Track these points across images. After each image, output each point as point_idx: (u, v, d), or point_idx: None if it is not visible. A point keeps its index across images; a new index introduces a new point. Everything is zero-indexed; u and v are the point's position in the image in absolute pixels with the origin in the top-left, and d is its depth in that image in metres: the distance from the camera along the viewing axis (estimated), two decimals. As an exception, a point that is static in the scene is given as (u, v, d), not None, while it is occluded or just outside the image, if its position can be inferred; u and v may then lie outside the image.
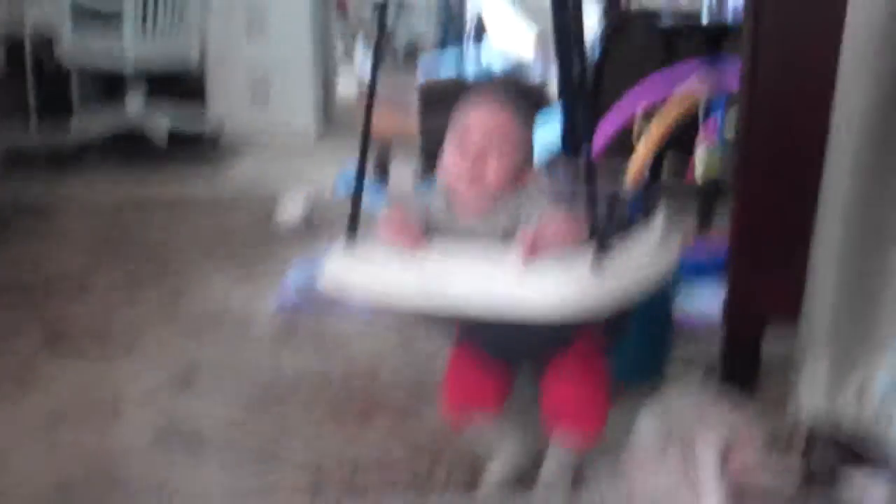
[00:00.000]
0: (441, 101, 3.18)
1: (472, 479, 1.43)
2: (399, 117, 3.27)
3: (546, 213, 1.27)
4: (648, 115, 2.30)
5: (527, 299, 1.12)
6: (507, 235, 1.30)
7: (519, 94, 2.89)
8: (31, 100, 4.81)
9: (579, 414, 1.35)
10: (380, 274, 1.22)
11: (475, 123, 1.32)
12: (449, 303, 1.17)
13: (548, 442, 1.40)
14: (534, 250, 1.17)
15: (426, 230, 1.30)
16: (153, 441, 1.57)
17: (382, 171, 3.62)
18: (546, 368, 1.36)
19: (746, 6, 1.54)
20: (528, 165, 1.35)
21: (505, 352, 1.39)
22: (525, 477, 1.41)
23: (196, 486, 1.42)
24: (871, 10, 1.19)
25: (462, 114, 1.35)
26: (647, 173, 2.62)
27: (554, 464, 1.40)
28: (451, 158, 1.33)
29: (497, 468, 1.42)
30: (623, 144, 2.37)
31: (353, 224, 1.30)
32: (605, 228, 1.19)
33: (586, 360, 1.36)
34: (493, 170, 1.30)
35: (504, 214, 1.32)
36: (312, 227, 3.05)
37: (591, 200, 1.18)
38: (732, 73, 2.17)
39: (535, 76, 3.22)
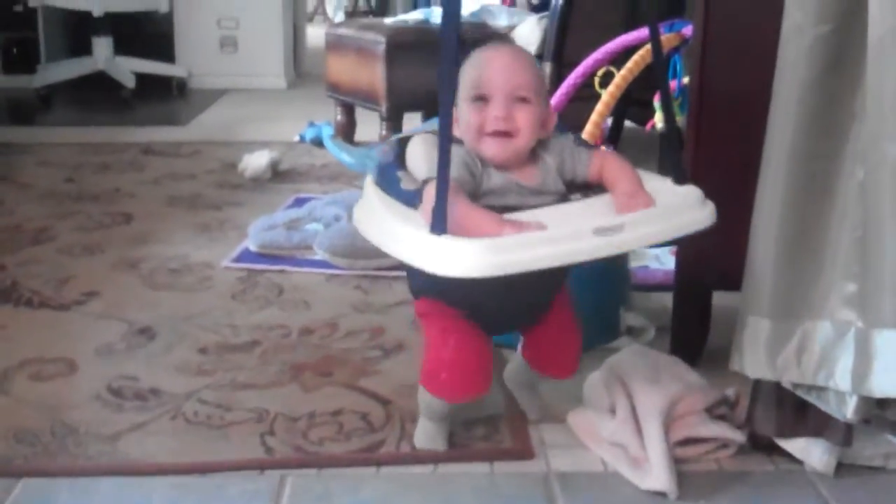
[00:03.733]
0: (408, 48, 3.14)
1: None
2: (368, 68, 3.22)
3: (595, 157, 1.30)
4: (611, 65, 2.29)
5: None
6: (567, 187, 1.30)
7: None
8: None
9: (566, 361, 1.42)
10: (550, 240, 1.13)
11: (499, 74, 1.25)
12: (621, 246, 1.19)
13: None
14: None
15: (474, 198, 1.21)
16: (109, 393, 1.56)
17: (349, 127, 3.56)
18: (531, 327, 1.40)
19: None
20: (549, 112, 1.31)
21: (502, 327, 1.40)
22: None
23: (150, 438, 1.43)
24: None
25: (478, 65, 1.26)
26: (609, 121, 2.63)
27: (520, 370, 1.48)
28: (472, 115, 1.25)
29: (432, 428, 1.41)
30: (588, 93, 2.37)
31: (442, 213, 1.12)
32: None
33: (568, 313, 1.41)
34: (525, 120, 1.25)
35: (549, 166, 1.28)
36: (277, 178, 3.04)
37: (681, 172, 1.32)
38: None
39: (501, 23, 3.18)
